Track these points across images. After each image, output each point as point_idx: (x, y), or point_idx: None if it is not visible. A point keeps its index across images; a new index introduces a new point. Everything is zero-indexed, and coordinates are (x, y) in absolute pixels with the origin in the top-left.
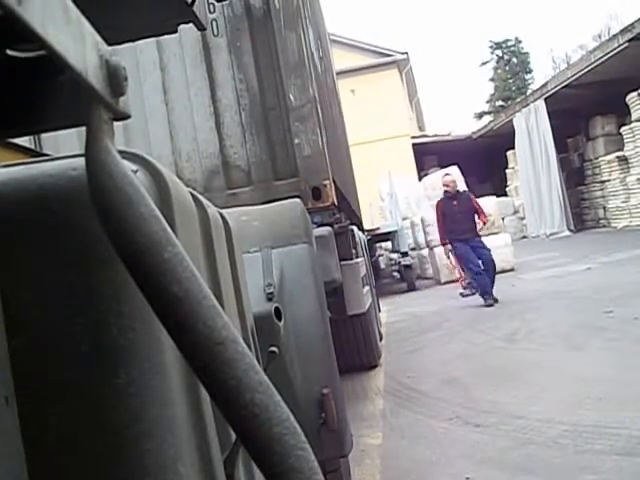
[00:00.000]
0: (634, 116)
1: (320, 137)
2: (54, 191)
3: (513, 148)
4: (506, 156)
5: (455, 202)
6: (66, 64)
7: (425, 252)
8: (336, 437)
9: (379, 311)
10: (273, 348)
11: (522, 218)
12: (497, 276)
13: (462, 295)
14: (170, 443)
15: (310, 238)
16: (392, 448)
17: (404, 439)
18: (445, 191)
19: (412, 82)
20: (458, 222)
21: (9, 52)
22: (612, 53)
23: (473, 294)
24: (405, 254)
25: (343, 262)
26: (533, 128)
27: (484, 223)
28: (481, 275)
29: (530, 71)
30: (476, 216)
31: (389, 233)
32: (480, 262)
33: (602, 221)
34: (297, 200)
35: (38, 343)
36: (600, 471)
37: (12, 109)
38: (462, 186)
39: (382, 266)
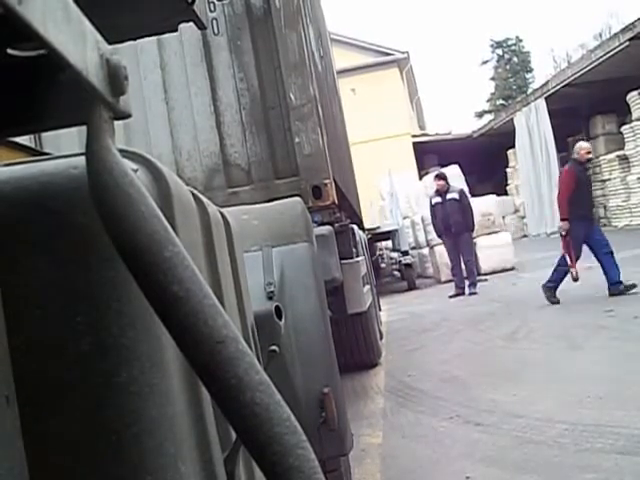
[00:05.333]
0: (635, 115)
1: (320, 136)
2: (55, 190)
3: (514, 147)
4: (507, 155)
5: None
6: (67, 63)
7: (425, 251)
8: (336, 436)
9: (379, 310)
10: (273, 347)
11: (523, 217)
12: (497, 275)
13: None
14: (171, 442)
15: (310, 237)
16: (392, 447)
17: (404, 438)
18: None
19: (413, 81)
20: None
21: (9, 51)
22: (613, 52)
23: (476, 293)
24: (405, 253)
25: (343, 261)
26: (534, 127)
27: None
28: None
29: (531, 70)
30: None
31: (389, 232)
32: None
33: (603, 220)
34: (297, 199)
35: (38, 343)
36: (600, 470)
37: (12, 108)
38: (462, 185)
39: (382, 265)
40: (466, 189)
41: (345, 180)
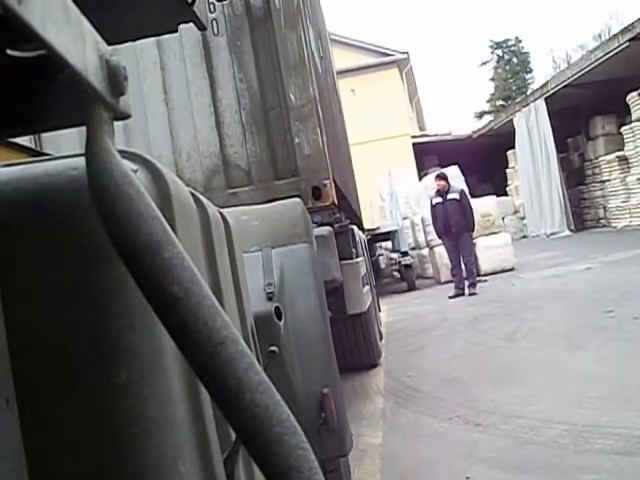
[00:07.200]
0: (634, 116)
1: (320, 136)
2: (54, 191)
3: (513, 148)
4: (506, 156)
5: None
6: (66, 64)
7: (425, 252)
8: (336, 436)
9: (379, 310)
10: (273, 348)
11: (522, 218)
12: (497, 275)
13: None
14: (170, 442)
15: (310, 237)
16: (392, 447)
17: (404, 438)
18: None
19: (412, 82)
20: None
21: (9, 52)
22: (612, 53)
23: (475, 294)
24: (405, 254)
25: (343, 261)
26: (533, 128)
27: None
28: None
29: (530, 71)
30: None
31: (389, 233)
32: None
33: (602, 221)
34: (297, 199)
35: (38, 343)
36: (600, 471)
37: (12, 109)
38: (462, 185)
39: (382, 266)
40: (466, 190)
41: (345, 181)
